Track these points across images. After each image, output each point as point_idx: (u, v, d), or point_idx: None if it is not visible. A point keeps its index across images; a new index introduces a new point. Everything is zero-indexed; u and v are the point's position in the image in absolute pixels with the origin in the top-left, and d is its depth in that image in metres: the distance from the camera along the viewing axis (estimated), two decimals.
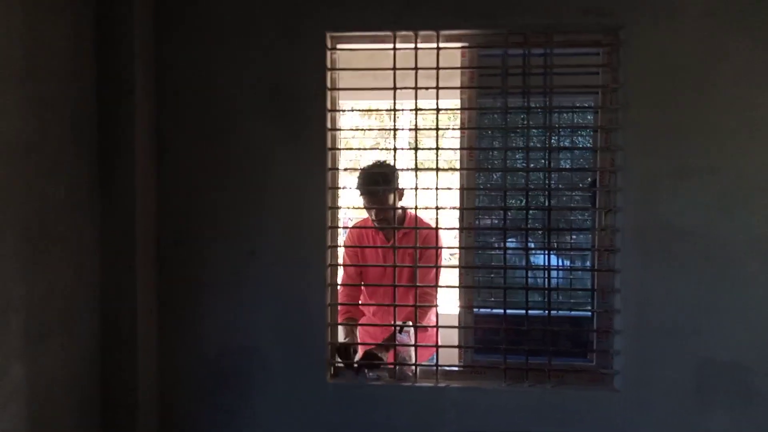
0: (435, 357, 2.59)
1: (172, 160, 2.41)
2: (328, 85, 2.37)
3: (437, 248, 2.61)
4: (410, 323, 2.46)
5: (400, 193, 2.71)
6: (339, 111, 2.45)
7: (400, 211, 2.75)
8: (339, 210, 2.47)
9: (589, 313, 2.47)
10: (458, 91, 2.48)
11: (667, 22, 2.24)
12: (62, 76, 2.04)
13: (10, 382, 1.79)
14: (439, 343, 2.57)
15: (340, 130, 2.46)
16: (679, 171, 2.24)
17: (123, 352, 2.25)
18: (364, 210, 2.82)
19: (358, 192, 2.71)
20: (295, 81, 2.36)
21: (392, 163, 2.56)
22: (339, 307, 2.59)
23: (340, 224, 2.55)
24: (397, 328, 2.44)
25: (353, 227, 3.05)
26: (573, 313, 2.55)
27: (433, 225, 2.50)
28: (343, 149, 2.51)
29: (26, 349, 1.85)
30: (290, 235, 2.37)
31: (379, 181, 2.63)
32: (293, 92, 2.36)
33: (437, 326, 2.48)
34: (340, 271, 2.78)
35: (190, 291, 2.42)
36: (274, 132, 2.37)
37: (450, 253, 3.68)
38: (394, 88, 2.37)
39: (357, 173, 2.79)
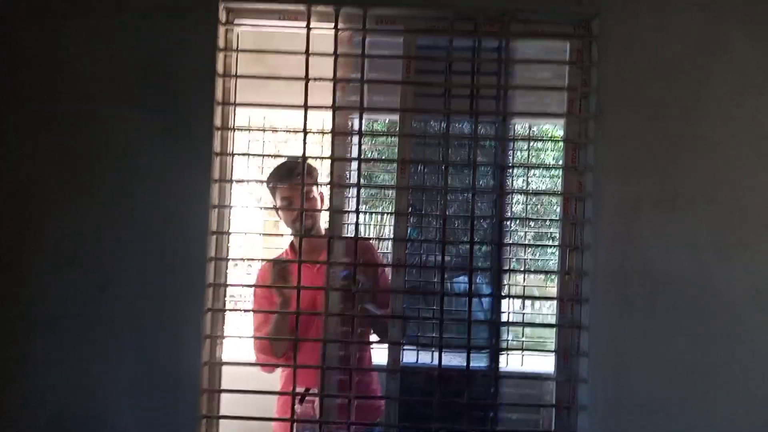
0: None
1: (2, 160, 1.79)
2: (220, 70, 1.81)
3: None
4: (315, 390, 1.85)
5: (321, 197, 2.29)
6: (234, 105, 1.88)
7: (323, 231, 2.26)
8: (228, 236, 1.88)
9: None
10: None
11: (652, 12, 1.80)
12: None
13: None
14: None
15: (234, 129, 1.89)
16: (664, 200, 1.78)
17: None
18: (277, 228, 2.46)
19: (271, 192, 2.28)
20: (177, 62, 1.78)
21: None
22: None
23: (231, 255, 1.95)
24: (297, 397, 1.82)
25: (271, 260, 2.42)
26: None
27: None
28: (237, 154, 1.93)
29: None
30: (158, 267, 1.76)
31: (298, 168, 2.12)
32: (173, 77, 1.78)
33: (348, 396, 1.87)
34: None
35: (16, 335, 1.77)
36: (145, 126, 1.78)
37: None
38: (306, 79, 1.83)
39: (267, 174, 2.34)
